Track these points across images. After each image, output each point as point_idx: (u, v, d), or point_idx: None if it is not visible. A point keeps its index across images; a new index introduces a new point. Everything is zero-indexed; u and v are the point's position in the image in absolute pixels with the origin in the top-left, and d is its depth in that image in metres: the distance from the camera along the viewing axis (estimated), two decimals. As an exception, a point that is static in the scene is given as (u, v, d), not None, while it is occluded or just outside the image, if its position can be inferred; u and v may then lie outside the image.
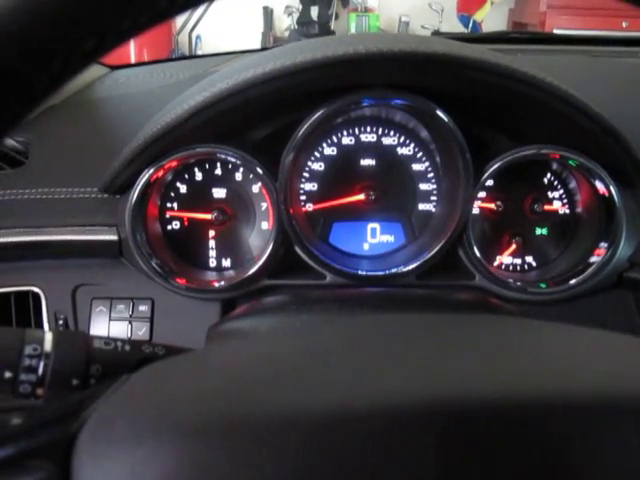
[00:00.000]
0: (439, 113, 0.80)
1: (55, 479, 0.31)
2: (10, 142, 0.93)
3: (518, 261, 0.96)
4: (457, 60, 0.69)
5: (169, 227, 0.91)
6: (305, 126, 0.80)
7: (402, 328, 0.42)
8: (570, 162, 0.85)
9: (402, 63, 0.70)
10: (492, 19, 4.85)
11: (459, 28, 4.76)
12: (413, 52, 0.67)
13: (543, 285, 0.89)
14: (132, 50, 4.16)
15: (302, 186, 0.92)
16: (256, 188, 0.91)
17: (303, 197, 0.92)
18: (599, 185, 0.85)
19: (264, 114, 0.83)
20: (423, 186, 0.93)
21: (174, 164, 0.83)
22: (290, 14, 5.00)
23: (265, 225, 0.92)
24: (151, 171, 0.81)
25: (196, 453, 0.28)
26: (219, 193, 0.91)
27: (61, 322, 0.86)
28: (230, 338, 0.67)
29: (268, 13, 5.05)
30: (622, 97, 0.99)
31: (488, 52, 0.74)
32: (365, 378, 0.33)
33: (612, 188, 0.84)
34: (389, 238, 0.94)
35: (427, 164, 0.92)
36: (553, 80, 0.73)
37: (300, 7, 4.96)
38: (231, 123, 0.81)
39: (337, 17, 5.11)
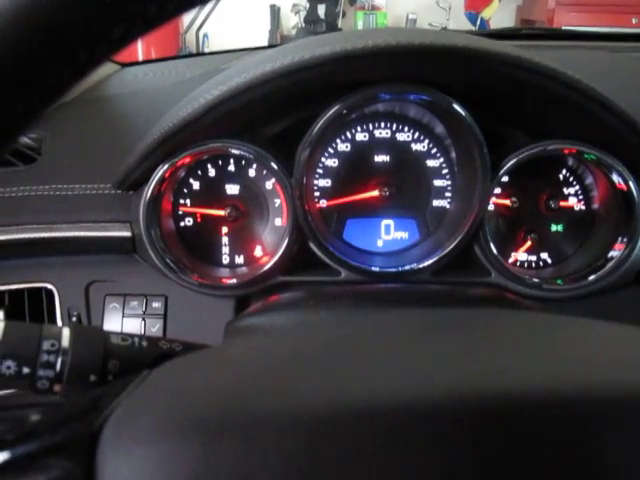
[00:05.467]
0: (456, 107, 0.79)
1: (76, 476, 0.30)
2: (22, 139, 0.93)
3: (533, 258, 0.95)
4: (477, 53, 0.68)
5: (182, 224, 0.91)
6: (321, 121, 0.80)
7: (424, 323, 0.42)
8: (587, 156, 0.84)
9: (421, 56, 0.69)
10: (500, 16, 4.83)
11: (467, 26, 4.75)
12: (432, 45, 0.66)
13: (560, 282, 0.88)
14: (140, 49, 4.17)
15: (316, 182, 0.91)
16: (269, 184, 0.90)
17: (317, 193, 0.91)
18: (617, 180, 0.84)
19: (280, 109, 0.83)
20: (438, 182, 0.92)
21: (188, 160, 0.83)
22: (297, 12, 5.00)
23: (279, 222, 0.91)
24: (165, 167, 0.81)
25: (223, 449, 0.28)
26: (232, 189, 0.91)
27: (74, 319, 0.86)
28: (248, 334, 0.67)
29: (275, 11, 5.05)
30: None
31: (508, 46, 0.73)
32: (389, 373, 0.32)
33: (631, 183, 0.83)
34: (403, 235, 0.94)
35: (442, 160, 0.91)
36: (575, 74, 0.72)
37: (307, 5, 4.95)
38: (246, 118, 0.80)
39: (344, 15, 5.10)
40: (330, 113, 0.79)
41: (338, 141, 0.90)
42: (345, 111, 0.80)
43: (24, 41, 0.24)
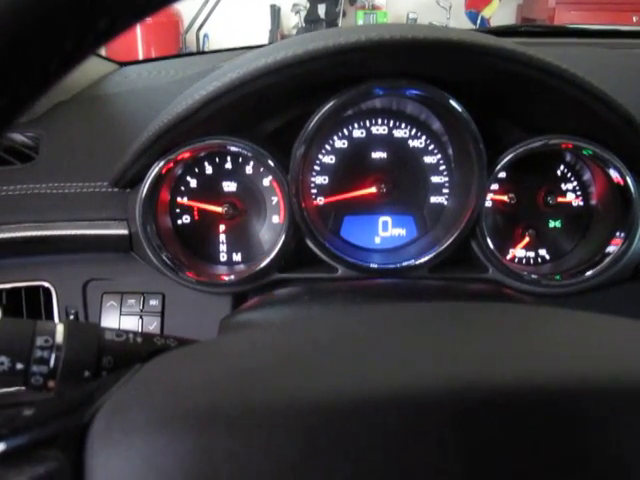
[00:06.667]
0: (452, 103, 0.78)
1: (67, 469, 0.30)
2: (20, 137, 0.93)
3: (531, 254, 0.95)
4: (472, 47, 0.68)
5: (179, 221, 0.91)
6: (316, 118, 0.79)
7: (419, 315, 0.42)
8: (584, 152, 0.84)
9: (415, 50, 0.69)
10: (500, 15, 4.83)
11: (467, 25, 4.74)
12: (426, 39, 0.66)
13: (558, 277, 0.88)
14: (140, 49, 4.18)
15: (313, 179, 0.91)
16: (267, 182, 0.90)
17: (314, 190, 0.91)
18: (614, 175, 0.84)
19: (275, 106, 0.82)
20: (435, 179, 0.92)
21: (185, 156, 0.83)
22: (297, 12, 5.00)
23: (276, 219, 0.91)
24: (161, 164, 0.81)
25: (213, 441, 0.28)
26: (229, 187, 0.91)
27: (72, 317, 0.86)
28: (242, 329, 0.67)
29: (275, 11, 5.05)
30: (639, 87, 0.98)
31: (503, 41, 0.73)
32: (382, 367, 0.32)
33: (628, 178, 0.83)
34: (401, 231, 0.94)
35: (439, 156, 0.91)
36: (570, 68, 0.72)
37: (307, 5, 4.96)
38: (242, 115, 0.80)
39: (345, 15, 5.10)
40: (325, 109, 0.79)
41: (335, 138, 0.90)
42: (340, 107, 0.79)
43: (8, 30, 0.24)
